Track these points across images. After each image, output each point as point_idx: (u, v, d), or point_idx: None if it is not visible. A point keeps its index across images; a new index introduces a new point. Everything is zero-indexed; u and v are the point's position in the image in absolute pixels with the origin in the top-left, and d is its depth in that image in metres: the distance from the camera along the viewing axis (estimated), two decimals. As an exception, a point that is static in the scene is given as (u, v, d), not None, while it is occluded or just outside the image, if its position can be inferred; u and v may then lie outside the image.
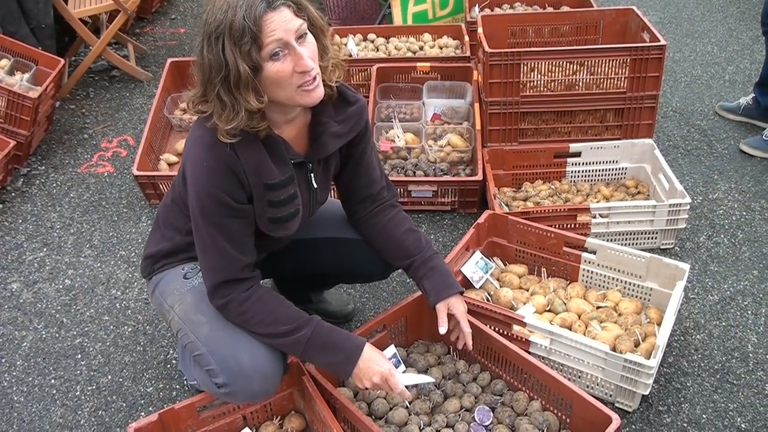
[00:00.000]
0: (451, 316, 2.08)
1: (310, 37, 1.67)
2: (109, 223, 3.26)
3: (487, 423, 2.09)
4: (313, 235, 2.20)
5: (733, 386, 2.35)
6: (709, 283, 2.77)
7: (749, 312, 2.63)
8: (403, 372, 2.16)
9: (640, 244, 2.90)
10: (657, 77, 3.10)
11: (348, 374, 1.86)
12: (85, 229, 3.23)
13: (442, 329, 2.05)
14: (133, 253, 3.05)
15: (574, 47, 3.23)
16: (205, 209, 1.77)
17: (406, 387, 1.88)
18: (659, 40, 3.08)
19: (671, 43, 4.78)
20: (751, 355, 2.46)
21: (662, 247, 2.92)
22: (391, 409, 2.13)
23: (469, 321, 2.14)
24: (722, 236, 3.02)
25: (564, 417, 2.07)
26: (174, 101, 3.81)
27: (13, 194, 3.49)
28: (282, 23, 1.60)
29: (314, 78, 1.68)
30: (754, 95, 3.73)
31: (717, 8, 5.31)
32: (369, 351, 1.86)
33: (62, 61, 3.89)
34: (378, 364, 1.84)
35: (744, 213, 3.14)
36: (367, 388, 1.90)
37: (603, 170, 3.25)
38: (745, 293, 2.72)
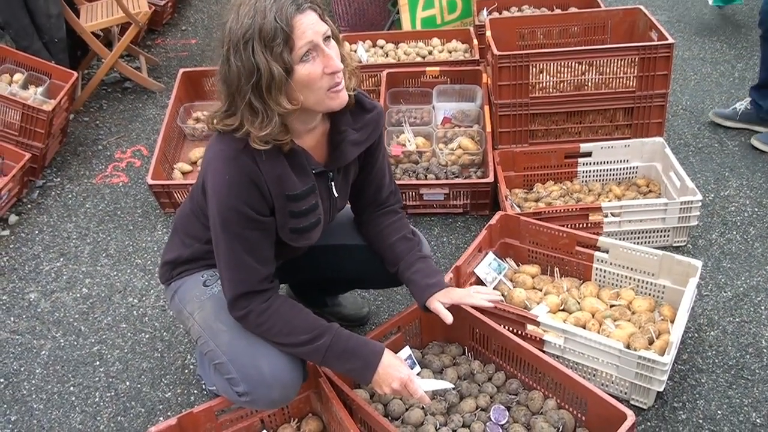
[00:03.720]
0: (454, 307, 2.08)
1: (333, 42, 1.70)
2: (125, 232, 3.30)
3: (503, 422, 2.10)
4: (328, 242, 2.20)
5: (748, 382, 2.35)
6: (722, 280, 2.77)
7: (763, 307, 2.63)
8: (418, 373, 2.17)
9: (653, 242, 2.91)
10: (666, 75, 3.11)
11: (368, 380, 1.88)
12: (101, 239, 3.27)
13: (447, 320, 2.02)
14: (149, 262, 3.08)
15: (582, 48, 3.24)
16: (226, 222, 1.78)
17: (425, 392, 1.89)
18: (667, 39, 3.09)
19: (680, 41, 4.78)
20: (765, 350, 2.46)
21: (675, 244, 2.92)
22: (407, 409, 2.15)
23: (481, 321, 2.15)
24: (734, 233, 3.01)
25: (579, 415, 2.08)
26: (187, 111, 3.85)
27: (29, 206, 3.54)
28: (311, 25, 1.63)
29: (341, 81, 1.71)
30: (750, 99, 3.67)
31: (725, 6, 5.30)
32: (388, 357, 1.88)
33: (75, 74, 3.94)
34: (397, 370, 1.85)
35: (756, 209, 3.14)
36: (386, 394, 1.91)
37: (614, 170, 3.25)
38: (759, 289, 2.71)
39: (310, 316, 1.88)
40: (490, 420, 2.11)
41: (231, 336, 1.92)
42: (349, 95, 1.83)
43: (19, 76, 3.93)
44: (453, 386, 2.17)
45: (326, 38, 1.67)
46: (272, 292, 1.88)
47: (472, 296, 2.10)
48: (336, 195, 1.98)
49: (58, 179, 3.75)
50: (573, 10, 4.19)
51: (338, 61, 1.68)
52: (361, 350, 1.87)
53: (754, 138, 3.57)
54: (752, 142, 3.56)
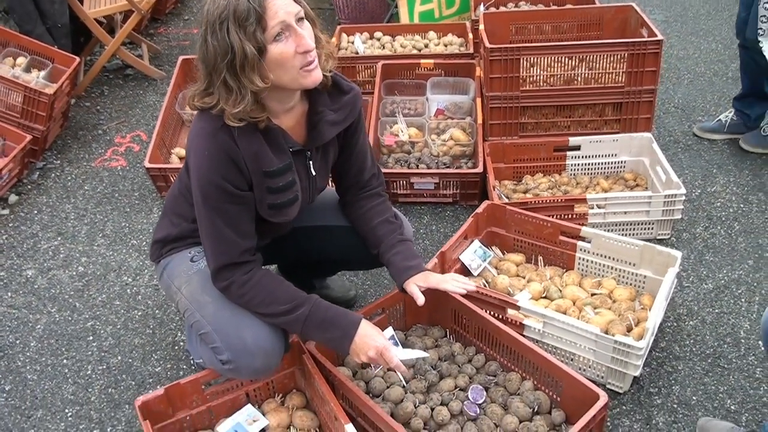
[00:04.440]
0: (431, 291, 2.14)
1: (306, 23, 1.77)
2: (122, 214, 3.37)
3: (480, 401, 2.16)
4: (313, 223, 2.29)
5: (724, 370, 2.41)
6: (704, 272, 2.83)
7: (743, 300, 2.69)
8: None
9: (637, 234, 2.96)
10: (654, 72, 3.17)
11: (345, 349, 1.95)
12: (99, 220, 3.34)
13: (419, 301, 2.08)
14: (144, 243, 3.15)
15: (573, 42, 3.31)
16: (207, 196, 1.86)
17: (402, 362, 1.95)
18: (656, 36, 3.15)
19: (676, 41, 4.84)
20: (743, 340, 2.51)
21: (658, 237, 2.98)
22: (388, 387, 2.20)
23: (463, 305, 2.22)
24: (719, 227, 3.07)
25: (555, 396, 2.14)
26: (185, 97, 3.90)
27: (29, 187, 3.61)
28: (283, 6, 1.70)
29: (314, 60, 1.78)
30: (735, 109, 3.66)
31: (723, 7, 5.36)
32: (365, 327, 1.95)
33: (77, 59, 4.00)
34: (373, 339, 1.92)
35: (741, 205, 3.19)
36: (364, 364, 1.97)
37: (602, 163, 3.31)
38: (740, 282, 2.77)
39: (290, 288, 1.96)
40: (468, 399, 2.17)
41: (216, 307, 1.99)
42: (326, 76, 1.90)
43: (22, 60, 3.99)
44: (428, 355, 2.23)
45: (299, 19, 1.75)
46: (254, 264, 1.95)
47: (448, 282, 2.16)
48: (314, 174, 2.05)
49: (58, 162, 3.82)
50: (569, 6, 4.24)
51: (311, 40, 1.76)
52: (340, 320, 1.94)
53: (741, 140, 3.59)
54: (741, 144, 3.59)
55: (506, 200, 3.03)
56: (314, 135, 1.98)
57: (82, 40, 4.80)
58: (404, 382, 2.21)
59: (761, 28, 3.16)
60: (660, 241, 2.96)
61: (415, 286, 2.09)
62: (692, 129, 3.78)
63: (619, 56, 3.17)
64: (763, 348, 2.44)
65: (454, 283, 2.16)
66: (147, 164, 3.33)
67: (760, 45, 3.20)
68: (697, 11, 5.32)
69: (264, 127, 1.85)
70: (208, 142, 1.82)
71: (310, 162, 2.02)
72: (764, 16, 3.10)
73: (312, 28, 1.81)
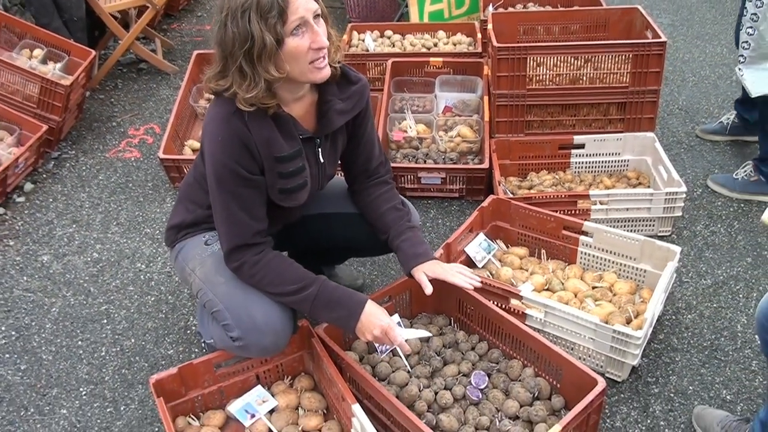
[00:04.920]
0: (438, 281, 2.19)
1: (321, 20, 1.86)
2: (135, 203, 3.45)
3: (482, 386, 2.23)
4: (322, 210, 2.38)
5: (721, 362, 2.47)
6: (704, 269, 2.90)
7: (741, 295, 2.75)
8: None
9: (639, 231, 3.02)
10: (658, 73, 3.23)
11: (351, 328, 2.02)
12: (113, 209, 3.42)
13: (427, 290, 2.15)
14: (158, 231, 3.23)
15: (579, 43, 3.38)
16: (221, 180, 1.95)
17: (406, 341, 2.03)
18: (660, 38, 3.21)
19: (681, 44, 4.90)
20: (740, 334, 2.58)
21: (660, 234, 3.04)
22: (393, 371, 2.27)
23: (469, 295, 2.29)
24: (719, 225, 3.14)
25: (555, 382, 2.20)
26: (199, 91, 3.99)
27: (44, 175, 3.69)
28: (304, 2, 1.79)
29: (324, 57, 1.87)
30: (736, 113, 3.66)
31: (729, 12, 5.41)
32: (370, 306, 2.02)
33: (93, 52, 4.08)
34: (378, 318, 2.00)
35: (742, 205, 3.25)
36: (370, 348, 2.04)
37: (606, 162, 3.38)
38: (738, 278, 2.84)
39: (300, 269, 2.04)
40: (471, 384, 2.23)
41: (228, 287, 2.08)
42: (335, 68, 1.99)
43: (38, 52, 4.07)
44: (430, 334, 2.29)
45: (316, 16, 1.83)
46: (265, 246, 2.04)
47: (455, 275, 2.21)
48: (323, 161, 2.13)
49: (73, 152, 3.91)
50: (575, 8, 4.30)
51: (325, 38, 1.85)
52: (346, 300, 2.02)
53: (709, 179, 3.42)
54: (708, 182, 3.42)
55: (511, 195, 3.10)
56: (323, 123, 2.06)
57: (96, 33, 4.89)
58: (409, 368, 2.28)
59: (743, 55, 3.01)
60: (661, 238, 3.02)
61: (423, 275, 2.16)
62: (695, 130, 3.84)
63: (623, 57, 3.24)
64: (758, 341, 2.50)
65: (461, 277, 2.21)
66: (161, 155, 3.41)
67: (740, 74, 3.05)
68: (703, 16, 5.38)
69: (273, 113, 1.93)
70: (221, 128, 1.91)
71: (319, 149, 2.10)
72: (746, 42, 2.97)
73: (325, 25, 1.89)
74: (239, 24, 1.77)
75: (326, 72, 1.90)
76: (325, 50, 1.86)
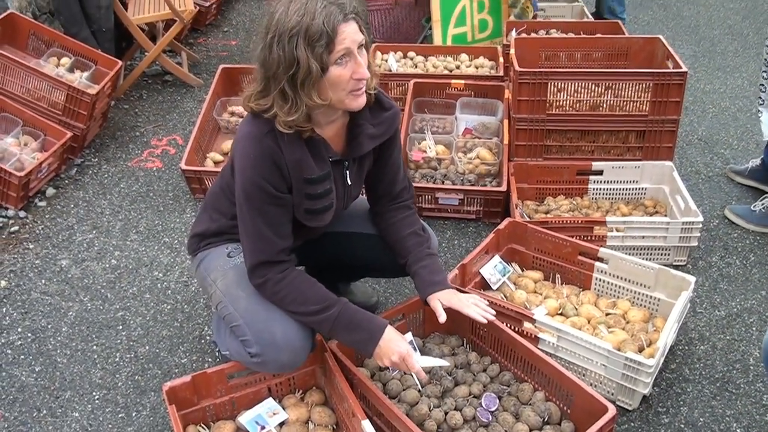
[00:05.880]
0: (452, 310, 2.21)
1: (364, 51, 1.89)
2: (156, 212, 3.50)
3: (493, 409, 2.23)
4: (343, 229, 2.40)
5: (732, 395, 2.46)
6: (718, 300, 2.89)
7: (754, 328, 2.74)
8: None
9: (654, 260, 3.02)
10: (678, 102, 3.24)
11: (370, 352, 2.04)
12: (133, 217, 3.46)
13: (441, 319, 2.16)
14: (176, 240, 3.27)
15: (600, 70, 3.40)
16: (249, 196, 1.98)
17: (423, 369, 2.04)
18: (681, 68, 3.23)
19: (702, 75, 4.91)
20: (752, 367, 2.57)
21: (675, 263, 3.04)
22: (404, 389, 2.29)
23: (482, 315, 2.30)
24: (734, 257, 3.13)
25: (565, 407, 2.21)
26: (223, 104, 4.05)
27: (66, 181, 3.75)
28: (351, 34, 1.82)
29: (363, 87, 1.91)
30: (762, 158, 3.57)
31: (751, 45, 5.43)
32: (390, 332, 2.04)
33: (120, 62, 4.15)
34: (397, 345, 2.01)
35: (758, 237, 3.25)
36: (386, 367, 2.05)
37: (623, 189, 3.38)
38: (752, 311, 2.83)
39: (322, 290, 2.06)
40: (481, 406, 2.24)
41: (249, 302, 2.10)
42: (370, 94, 2.02)
43: (66, 60, 4.14)
44: (448, 364, 2.31)
45: (360, 46, 1.86)
46: (289, 264, 2.06)
47: (470, 306, 2.21)
48: (350, 183, 2.16)
49: (96, 159, 3.97)
50: (598, 36, 4.33)
51: (366, 69, 1.88)
52: (367, 324, 2.04)
53: (727, 209, 3.41)
54: (725, 212, 3.41)
55: (528, 219, 3.11)
56: (353, 146, 2.09)
57: (123, 45, 4.97)
58: (420, 386, 2.28)
59: (761, 98, 3.05)
60: (676, 268, 3.00)
61: (438, 302, 2.18)
62: (714, 161, 3.84)
63: (644, 85, 3.26)
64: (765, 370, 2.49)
65: (476, 309, 2.21)
66: (183, 166, 3.46)
67: (759, 115, 3.12)
68: (725, 48, 5.39)
69: (308, 136, 1.96)
70: (254, 147, 1.94)
71: (347, 172, 2.13)
72: (763, 85, 3.01)
73: (367, 56, 1.92)
74: (285, 48, 1.79)
75: (363, 100, 1.94)
76: (366, 81, 1.90)
